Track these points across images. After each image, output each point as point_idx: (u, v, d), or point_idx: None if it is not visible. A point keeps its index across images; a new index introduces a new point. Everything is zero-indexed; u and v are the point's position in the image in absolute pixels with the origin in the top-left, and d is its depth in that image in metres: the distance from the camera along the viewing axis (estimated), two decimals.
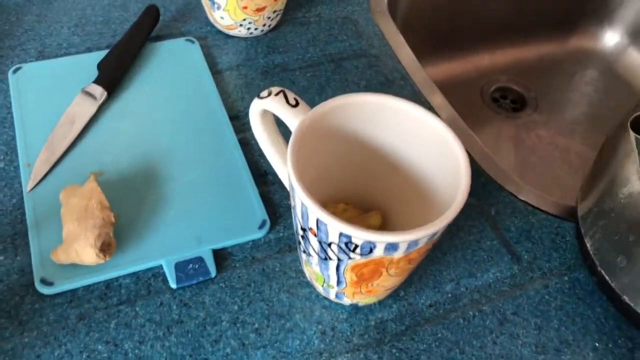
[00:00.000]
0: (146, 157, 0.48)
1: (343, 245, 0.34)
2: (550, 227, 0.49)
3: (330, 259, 0.36)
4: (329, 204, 0.43)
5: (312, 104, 0.56)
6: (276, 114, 0.38)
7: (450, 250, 0.46)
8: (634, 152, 0.38)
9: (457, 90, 0.83)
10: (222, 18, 0.57)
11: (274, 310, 0.42)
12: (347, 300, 0.41)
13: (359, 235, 0.32)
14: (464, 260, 0.46)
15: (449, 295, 0.44)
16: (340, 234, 0.33)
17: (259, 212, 0.46)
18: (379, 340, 0.41)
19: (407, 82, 0.58)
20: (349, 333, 0.42)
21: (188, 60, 0.56)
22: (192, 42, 0.57)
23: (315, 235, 0.35)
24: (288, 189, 0.36)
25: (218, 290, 0.43)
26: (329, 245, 0.34)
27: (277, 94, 0.38)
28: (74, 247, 0.40)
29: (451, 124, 0.56)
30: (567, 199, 0.68)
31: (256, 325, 0.41)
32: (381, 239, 0.32)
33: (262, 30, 0.59)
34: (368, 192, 0.43)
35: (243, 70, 0.57)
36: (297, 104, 0.38)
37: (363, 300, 0.41)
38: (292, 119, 0.37)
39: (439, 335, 0.42)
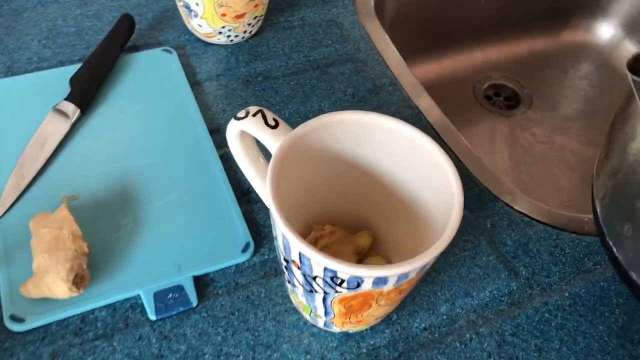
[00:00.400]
0: (122, 178, 0.46)
1: (329, 280, 0.31)
2: (548, 240, 0.47)
3: (316, 291, 0.33)
4: (315, 225, 0.41)
5: (296, 114, 0.53)
6: (254, 136, 0.35)
7: (444, 269, 0.44)
8: (635, 97, 0.35)
9: (448, 89, 0.81)
10: (200, 26, 0.54)
11: (260, 340, 0.40)
12: (336, 329, 0.39)
13: (345, 270, 0.30)
14: (459, 279, 0.44)
15: (444, 317, 0.42)
16: (325, 269, 0.30)
17: (242, 233, 0.43)
18: None
19: (395, 87, 0.56)
20: None
21: (165, 71, 0.53)
22: (170, 52, 0.54)
23: (298, 268, 0.32)
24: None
25: (200, 321, 0.40)
26: (314, 278, 0.32)
27: (255, 114, 0.35)
28: (45, 281, 0.38)
29: (440, 127, 0.54)
30: (565, 203, 0.66)
31: (241, 358, 0.39)
32: (369, 274, 0.30)
33: (242, 37, 0.56)
34: (356, 211, 0.41)
35: (223, 80, 0.54)
36: (276, 125, 0.35)
37: (353, 328, 0.39)
38: (272, 141, 0.35)
39: None
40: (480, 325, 0.42)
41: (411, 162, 0.37)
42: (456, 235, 0.46)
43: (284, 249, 0.33)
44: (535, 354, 0.41)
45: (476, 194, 0.49)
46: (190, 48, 0.56)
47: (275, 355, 0.39)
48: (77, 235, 0.40)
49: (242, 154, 0.38)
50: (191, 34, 0.57)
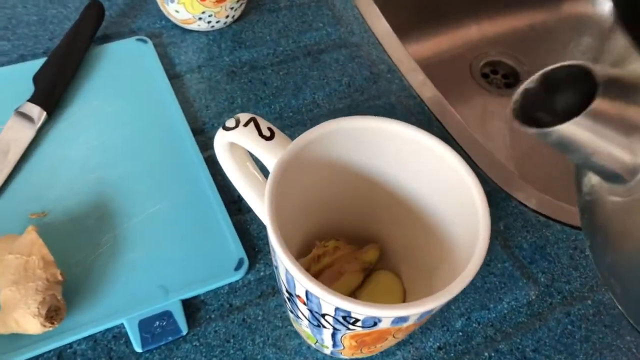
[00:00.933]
0: (98, 189, 0.41)
1: (340, 318, 0.27)
2: (566, 241, 0.43)
3: (324, 327, 0.29)
4: (318, 240, 0.36)
5: (288, 108, 0.49)
6: (247, 148, 0.31)
7: None
8: None
9: (444, 67, 0.76)
10: (177, 12, 0.49)
11: None
12: (344, 357, 0.35)
13: (361, 311, 0.26)
14: (474, 290, 0.40)
15: (460, 333, 0.38)
16: (337, 309, 0.26)
17: (235, 248, 0.39)
18: None
19: (394, 75, 0.51)
20: None
21: (140, 64, 0.48)
22: (145, 41, 0.49)
23: (304, 303, 0.28)
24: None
25: (192, 351, 0.36)
26: (323, 316, 0.28)
27: (246, 124, 0.31)
28: (14, 317, 0.33)
29: (437, 108, 0.50)
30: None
31: None
32: (388, 314, 0.26)
33: (225, 23, 0.51)
34: (363, 223, 0.37)
35: (206, 71, 0.49)
36: (272, 136, 0.31)
37: (363, 356, 0.35)
38: (268, 155, 0.30)
39: None
40: (499, 341, 0.38)
41: (422, 170, 0.32)
42: None
43: (287, 282, 0.28)
44: None
45: (487, 192, 0.45)
46: (167, 36, 0.51)
47: None
48: (49, 262, 0.35)
49: (233, 167, 0.33)
50: (168, 20, 0.51)
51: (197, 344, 0.36)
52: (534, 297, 0.40)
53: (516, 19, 0.79)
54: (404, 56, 0.53)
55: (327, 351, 0.34)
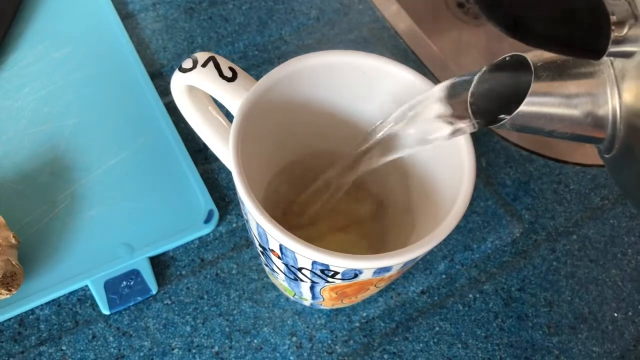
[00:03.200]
0: (50, 143, 0.38)
1: (318, 272, 0.25)
2: (550, 175, 0.41)
3: (302, 280, 0.27)
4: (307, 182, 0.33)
5: (252, 46, 0.45)
6: (207, 92, 0.28)
7: None
8: None
9: None
10: None
11: (236, 325, 0.34)
12: (324, 308, 0.33)
13: (340, 263, 0.24)
14: (457, 231, 0.39)
15: (443, 276, 0.37)
16: (314, 262, 0.24)
17: (203, 200, 0.37)
18: (367, 345, 0.34)
19: (366, 5, 0.48)
20: (330, 342, 0.34)
21: (88, 3, 0.43)
22: None
23: (279, 257, 0.26)
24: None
25: (163, 310, 0.34)
26: (299, 269, 0.26)
27: (205, 64, 0.27)
28: None
29: (413, 40, 0.47)
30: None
31: (216, 348, 0.33)
32: (370, 265, 0.24)
33: None
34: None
35: (161, 9, 0.45)
36: (234, 76, 0.28)
37: (344, 306, 0.33)
38: (230, 98, 0.27)
39: (437, 328, 0.35)
40: (484, 282, 0.37)
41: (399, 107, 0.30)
42: None
43: (259, 236, 0.26)
44: (545, 309, 0.36)
45: None
46: None
47: (255, 341, 0.34)
48: (0, 224, 0.32)
49: (193, 112, 0.30)
50: None
51: (169, 302, 0.34)
52: (518, 235, 0.39)
53: None
54: None
55: (307, 303, 0.33)
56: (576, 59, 0.22)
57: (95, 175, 0.37)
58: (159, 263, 0.35)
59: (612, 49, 0.20)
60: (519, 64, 0.22)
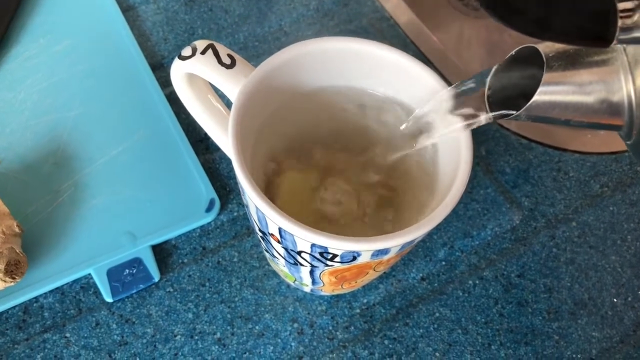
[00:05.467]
0: (53, 133, 0.38)
1: (317, 255, 0.26)
2: (550, 163, 0.42)
3: (301, 265, 0.28)
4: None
5: (252, 37, 0.45)
6: (206, 79, 0.28)
7: None
8: None
9: None
10: None
11: (237, 312, 0.34)
12: (324, 293, 0.34)
13: (338, 245, 0.24)
14: (457, 218, 0.39)
15: (443, 263, 0.37)
16: (313, 245, 0.25)
17: (205, 189, 0.37)
18: (368, 331, 0.35)
19: None
20: (330, 328, 0.35)
21: None
22: None
23: (279, 242, 0.27)
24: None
25: (166, 297, 0.35)
26: (299, 253, 0.26)
27: (204, 52, 0.28)
28: None
29: (413, 31, 0.47)
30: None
31: (218, 335, 0.34)
32: (368, 247, 0.24)
33: None
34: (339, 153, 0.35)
35: (161, 1, 0.45)
36: (232, 63, 0.28)
37: (344, 291, 0.34)
38: (229, 85, 0.28)
39: (437, 314, 0.36)
40: (484, 268, 0.37)
41: (398, 93, 0.30)
42: None
43: (259, 221, 0.26)
44: (545, 295, 0.37)
45: None
46: None
47: (257, 327, 0.34)
48: (4, 213, 0.33)
49: (193, 100, 0.30)
50: None
51: (171, 290, 0.35)
52: (517, 222, 0.39)
53: None
54: None
55: (307, 289, 0.33)
56: (588, 48, 0.22)
57: (97, 165, 0.37)
58: (161, 251, 0.36)
59: (622, 36, 0.20)
60: (532, 56, 0.22)
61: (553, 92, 0.22)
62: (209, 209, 0.36)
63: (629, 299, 0.37)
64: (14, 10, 0.42)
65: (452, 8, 0.72)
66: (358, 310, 0.35)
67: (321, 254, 0.25)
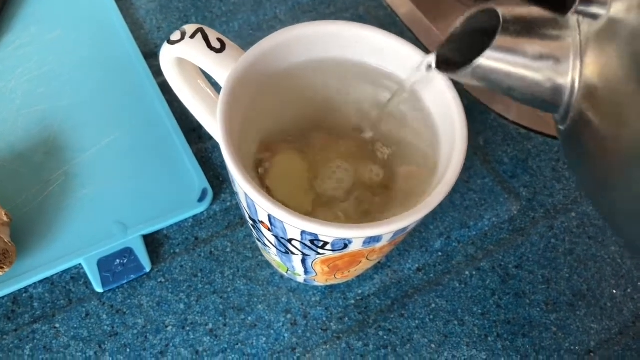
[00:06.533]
0: (44, 123, 0.37)
1: (308, 243, 0.25)
2: (549, 153, 0.41)
3: (293, 253, 0.27)
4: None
5: (247, 26, 0.45)
6: (195, 63, 0.27)
7: None
8: None
9: None
10: None
11: (230, 303, 0.34)
12: (318, 284, 0.33)
13: (329, 233, 0.23)
14: (453, 208, 0.38)
15: (440, 254, 0.37)
16: (303, 232, 0.24)
17: (197, 178, 0.36)
18: (362, 322, 0.34)
19: None
20: (324, 319, 0.34)
21: None
22: None
23: (269, 229, 0.26)
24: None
25: (157, 287, 0.34)
26: (289, 241, 0.26)
27: (193, 35, 0.27)
28: None
29: (413, 23, 0.47)
30: None
31: (210, 326, 0.33)
32: (359, 234, 0.24)
33: None
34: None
35: None
36: (222, 47, 0.27)
37: (338, 282, 0.33)
38: (218, 69, 0.27)
39: (433, 305, 0.35)
40: (481, 259, 0.37)
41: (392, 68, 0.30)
42: None
43: (249, 208, 0.26)
44: (543, 287, 0.36)
45: (464, 106, 0.42)
46: None
47: (250, 318, 0.34)
48: None
49: (182, 85, 0.30)
50: None
51: (163, 280, 0.34)
52: (515, 213, 0.38)
53: None
54: None
55: (300, 279, 0.32)
56: (545, 19, 0.21)
57: (89, 155, 0.37)
58: (153, 242, 0.35)
59: (581, 7, 0.20)
60: (492, 17, 0.22)
61: (502, 59, 0.21)
62: (201, 199, 0.36)
63: (629, 290, 0.36)
64: (4, 3, 0.41)
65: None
66: (352, 301, 0.35)
67: (312, 241, 0.25)
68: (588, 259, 0.37)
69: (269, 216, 0.24)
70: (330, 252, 0.26)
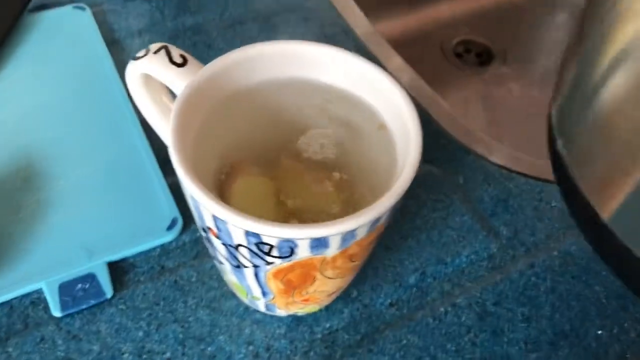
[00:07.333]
0: (26, 152, 0.38)
1: (254, 248, 0.24)
2: (531, 193, 0.40)
3: (244, 266, 0.26)
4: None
5: None
6: (157, 77, 0.28)
7: (411, 233, 0.37)
8: None
9: (414, 47, 0.74)
10: None
11: (190, 332, 0.33)
12: (281, 312, 0.32)
13: (270, 232, 0.23)
14: (430, 244, 0.37)
15: (414, 289, 0.35)
16: (247, 233, 0.23)
17: (168, 208, 0.36)
18: (328, 356, 0.32)
19: (349, 35, 0.49)
20: (289, 352, 0.32)
21: (77, 30, 0.45)
22: (82, 9, 0.47)
23: (217, 237, 0.25)
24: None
25: (117, 314, 0.33)
26: (236, 248, 0.25)
27: (156, 52, 0.28)
28: None
29: (414, 88, 0.47)
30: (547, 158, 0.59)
31: (168, 355, 0.32)
32: (300, 235, 0.23)
33: None
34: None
35: (146, 36, 0.46)
36: (184, 62, 0.28)
37: (302, 310, 0.32)
38: (180, 82, 0.28)
39: (404, 341, 0.33)
40: (457, 295, 0.35)
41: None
42: (423, 194, 0.39)
43: (197, 214, 0.25)
44: (523, 325, 0.34)
45: (443, 145, 0.42)
46: (108, 4, 0.48)
47: (209, 349, 0.32)
48: None
49: (146, 101, 0.30)
50: None
51: (124, 307, 0.33)
52: (495, 250, 0.37)
53: None
54: (362, 21, 0.51)
55: (262, 305, 0.31)
56: None
57: (64, 183, 0.37)
58: (118, 269, 0.35)
59: None
60: None
61: None
62: (170, 227, 0.36)
63: (615, 330, 0.34)
64: (1, 40, 0.43)
65: (449, 64, 0.73)
66: (319, 335, 0.33)
67: (257, 245, 0.24)
68: (571, 298, 0.35)
69: (214, 218, 0.24)
70: (279, 260, 0.25)
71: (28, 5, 0.46)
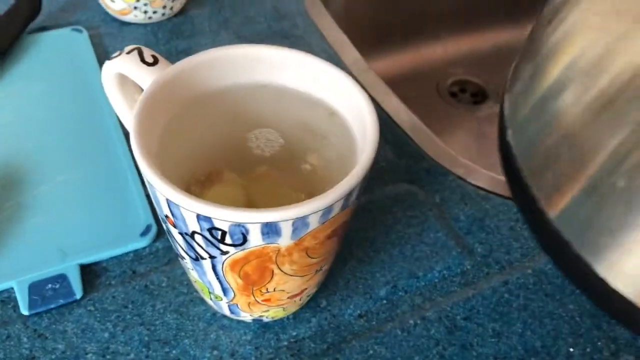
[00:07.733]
0: (10, 158, 0.39)
1: (207, 234, 0.25)
2: (508, 213, 0.40)
3: (201, 257, 0.27)
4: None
5: None
6: (129, 75, 0.29)
7: (384, 247, 0.37)
8: None
9: (410, 87, 0.75)
10: (113, 1, 0.49)
11: (156, 335, 0.33)
12: (246, 315, 0.32)
13: (221, 215, 0.23)
14: (402, 258, 0.37)
15: (384, 302, 0.35)
16: (199, 217, 0.24)
17: (143, 214, 0.37)
18: None
19: (335, 63, 0.50)
20: (253, 358, 0.32)
21: (72, 51, 0.47)
22: (80, 31, 0.49)
23: (174, 225, 0.26)
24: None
25: (85, 315, 0.33)
26: (192, 236, 0.25)
27: (129, 52, 0.29)
28: None
29: (410, 128, 0.48)
30: None
31: (132, 356, 0.32)
32: (250, 219, 0.23)
33: (163, 14, 0.51)
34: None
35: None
36: (155, 62, 0.29)
37: (267, 313, 0.32)
38: (150, 80, 0.29)
39: (370, 352, 0.33)
40: (427, 309, 0.35)
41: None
42: (399, 211, 0.39)
43: (155, 202, 0.26)
44: (493, 340, 0.34)
45: (425, 169, 0.42)
46: (104, 28, 0.50)
47: (174, 352, 0.32)
48: None
49: (121, 101, 0.31)
50: (107, 15, 0.51)
51: (92, 309, 0.33)
52: (469, 267, 0.37)
53: (482, 39, 0.79)
54: (358, 64, 0.52)
55: (225, 307, 0.31)
56: None
57: (44, 188, 0.38)
58: (90, 272, 0.35)
59: None
60: None
61: None
62: (144, 234, 0.36)
63: (588, 349, 0.34)
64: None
65: (444, 104, 0.75)
66: (285, 343, 0.33)
67: (210, 231, 0.24)
68: (544, 315, 0.35)
69: (168, 203, 0.24)
70: (233, 249, 0.25)
71: (27, 26, 0.48)
